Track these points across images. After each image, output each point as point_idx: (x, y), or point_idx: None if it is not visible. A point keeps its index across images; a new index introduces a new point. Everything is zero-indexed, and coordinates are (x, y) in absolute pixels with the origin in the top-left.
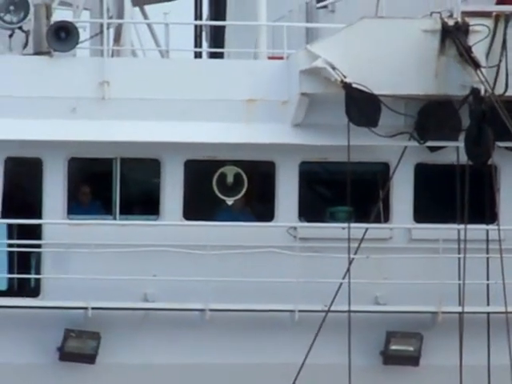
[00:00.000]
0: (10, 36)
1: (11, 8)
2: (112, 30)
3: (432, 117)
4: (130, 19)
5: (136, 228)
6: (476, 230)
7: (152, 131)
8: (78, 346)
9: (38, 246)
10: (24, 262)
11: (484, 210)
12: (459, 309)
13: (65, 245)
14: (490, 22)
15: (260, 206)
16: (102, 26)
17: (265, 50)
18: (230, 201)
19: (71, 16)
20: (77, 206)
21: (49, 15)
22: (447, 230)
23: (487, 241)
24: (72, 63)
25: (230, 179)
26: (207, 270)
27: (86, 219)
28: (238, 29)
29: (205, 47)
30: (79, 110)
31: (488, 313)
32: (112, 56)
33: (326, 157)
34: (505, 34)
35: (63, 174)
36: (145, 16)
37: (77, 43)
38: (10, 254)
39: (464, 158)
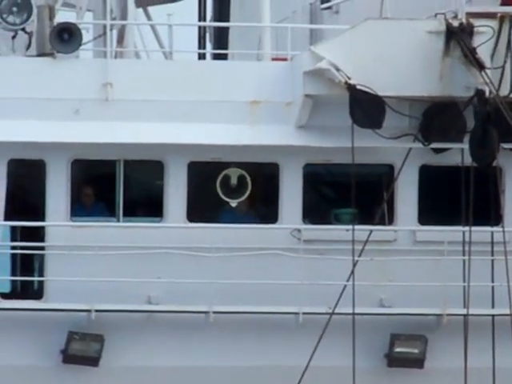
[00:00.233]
0: (13, 37)
1: (14, 9)
2: (115, 32)
3: (437, 118)
4: (134, 20)
5: (139, 230)
6: (481, 232)
7: (155, 133)
8: (82, 348)
9: (42, 248)
10: (27, 264)
11: (489, 212)
12: (464, 311)
13: (68, 247)
14: (494, 23)
15: (264, 208)
16: (105, 27)
17: (269, 51)
18: (233, 203)
19: (74, 17)
20: (80, 207)
21: (52, 16)
22: (452, 232)
23: (492, 243)
24: (75, 65)
25: (233, 181)
26: (211, 272)
27: (89, 221)
28: (242, 30)
29: (209, 48)
30: (82, 112)
31: (493, 315)
32: (115, 57)
33: (330, 159)
34: (509, 35)
35: (66, 176)
36: (148, 17)
37: (80, 45)
38: (14, 256)
39: (469, 160)
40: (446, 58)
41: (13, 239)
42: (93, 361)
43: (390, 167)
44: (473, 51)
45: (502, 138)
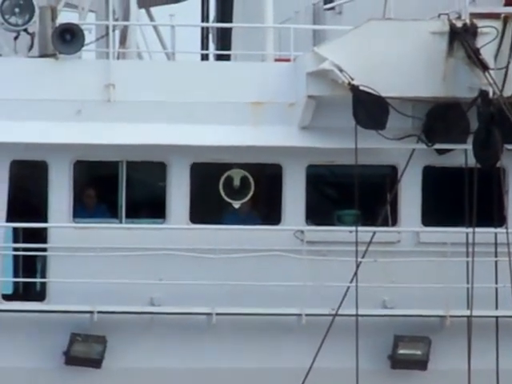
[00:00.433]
0: (16, 38)
1: (16, 10)
2: (118, 32)
3: (440, 119)
4: (136, 21)
5: (142, 231)
6: (484, 233)
7: (158, 134)
8: (84, 350)
9: (44, 250)
10: (30, 266)
11: (492, 213)
12: (467, 312)
13: (70, 248)
14: (498, 24)
15: (267, 210)
16: (107, 28)
17: (272, 52)
18: (236, 204)
19: (77, 18)
20: (82, 209)
21: (54, 17)
22: (455, 234)
23: (496, 244)
24: (77, 65)
25: (236, 182)
26: (214, 274)
27: (91, 223)
28: (245, 31)
29: (211, 49)
30: (85, 113)
31: (496, 317)
32: (118, 58)
33: (334, 160)
34: None
35: (69, 177)
36: (151, 18)
37: (82, 45)
38: (16, 257)
39: (472, 161)
40: (449, 58)
41: (15, 240)
42: (95, 362)
43: (394, 168)
44: (476, 52)
45: (505, 138)
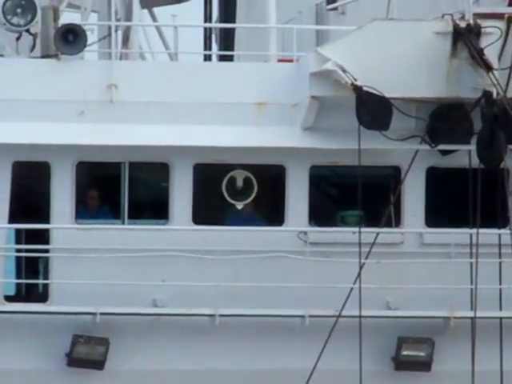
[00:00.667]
0: (18, 39)
1: (18, 11)
2: (120, 33)
3: (443, 120)
4: (139, 21)
5: (145, 232)
6: (488, 235)
7: (161, 135)
8: (87, 351)
9: (46, 251)
10: (32, 267)
11: (496, 214)
12: (471, 314)
13: (73, 249)
14: (502, 24)
15: (270, 211)
16: (110, 28)
17: (275, 52)
18: (239, 205)
19: (79, 18)
20: (85, 210)
21: (56, 18)
22: (459, 235)
23: (499, 245)
24: (80, 66)
25: (239, 183)
26: (216, 275)
27: (94, 224)
28: (248, 31)
29: (215, 49)
30: (87, 114)
31: (500, 318)
32: (120, 59)
33: (337, 160)
34: None
35: (71, 178)
36: (153, 18)
37: (85, 46)
38: (18, 258)
39: (476, 162)
40: (453, 59)
41: (17, 242)
42: (98, 364)
43: (397, 169)
44: (480, 52)
45: (509, 139)
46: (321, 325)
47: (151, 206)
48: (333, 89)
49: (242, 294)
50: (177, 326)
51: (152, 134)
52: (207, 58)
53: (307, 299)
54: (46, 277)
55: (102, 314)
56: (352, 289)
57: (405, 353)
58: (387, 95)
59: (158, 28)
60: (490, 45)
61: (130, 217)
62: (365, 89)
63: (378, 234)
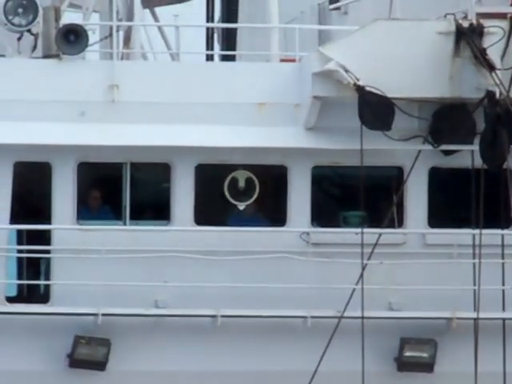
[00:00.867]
0: (19, 39)
1: (20, 11)
2: (122, 33)
3: (446, 120)
4: (140, 21)
5: (146, 233)
6: (491, 235)
7: (162, 135)
8: (88, 352)
9: (48, 252)
10: (33, 268)
11: (499, 215)
12: (474, 315)
13: (74, 250)
14: (505, 24)
15: (272, 211)
16: (111, 28)
17: (277, 52)
18: (241, 206)
19: (80, 18)
20: (86, 211)
21: (58, 18)
22: (462, 235)
23: (502, 245)
24: (81, 66)
25: (241, 184)
26: (218, 276)
27: (95, 224)
28: (250, 31)
29: (217, 49)
30: (88, 114)
31: (504, 319)
32: (122, 59)
33: (339, 161)
34: None
35: (72, 179)
36: (155, 18)
37: (86, 46)
38: (20, 259)
39: (479, 162)
40: (455, 58)
41: (19, 242)
42: (99, 365)
43: (400, 169)
44: (483, 52)
45: None
46: (323, 326)
47: (153, 206)
48: (335, 89)
49: (243, 294)
50: (179, 327)
51: (154, 135)
52: (209, 57)
53: (309, 300)
54: (47, 277)
55: (103, 314)
56: (354, 290)
57: (407, 354)
58: (390, 95)
59: (159, 28)
60: (493, 45)
61: (132, 217)
62: (367, 89)
63: (380, 234)
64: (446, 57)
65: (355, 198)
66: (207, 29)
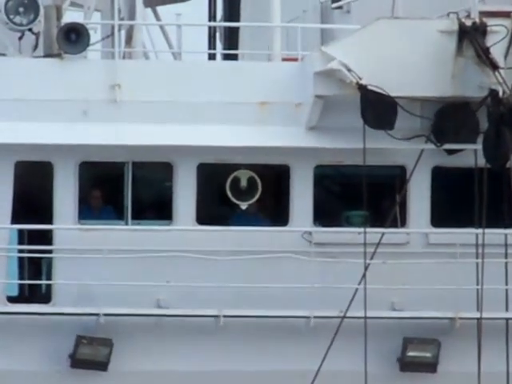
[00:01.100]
0: (20, 38)
1: (21, 10)
2: (123, 32)
3: (449, 119)
4: (142, 20)
5: (148, 233)
6: (494, 234)
7: (164, 134)
8: (90, 352)
9: (49, 252)
10: (35, 268)
11: (503, 214)
12: (477, 315)
13: (76, 250)
14: (508, 23)
15: (274, 211)
16: (113, 27)
17: (279, 51)
18: (243, 205)
19: (82, 17)
20: (88, 210)
21: (59, 17)
22: (465, 235)
23: (506, 245)
24: (83, 65)
25: (243, 183)
26: (221, 276)
27: (97, 224)
28: (253, 30)
29: (219, 48)
30: (90, 113)
31: (507, 319)
32: (123, 58)
33: (341, 160)
34: None
35: (74, 179)
36: (157, 17)
37: (87, 45)
38: (21, 259)
39: (482, 161)
40: (458, 57)
41: (20, 242)
42: (101, 365)
43: (402, 169)
44: (486, 51)
45: None
46: (326, 326)
47: (155, 206)
48: (337, 88)
49: (246, 294)
50: (181, 327)
51: (155, 134)
52: (211, 57)
53: (312, 300)
54: (48, 277)
55: (105, 314)
56: (357, 289)
57: (410, 354)
58: (392, 94)
59: (161, 27)
60: (496, 43)
61: (134, 217)
62: (370, 88)
63: (383, 234)
64: (449, 56)
65: (358, 197)
66: (209, 28)
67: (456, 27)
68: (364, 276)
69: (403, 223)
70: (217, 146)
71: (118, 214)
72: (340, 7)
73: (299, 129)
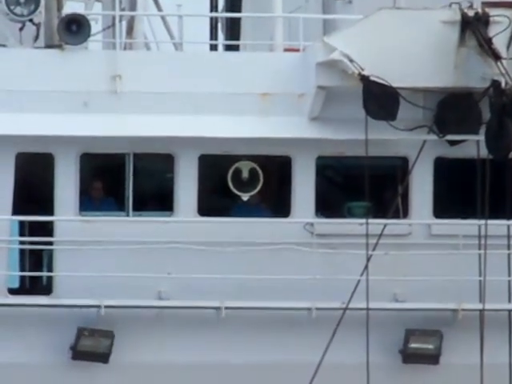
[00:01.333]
0: (21, 29)
1: (21, 0)
2: (124, 23)
3: (451, 110)
4: (143, 11)
5: (149, 224)
6: (497, 226)
7: (165, 126)
8: (91, 344)
9: (50, 243)
10: (36, 259)
11: (505, 205)
12: (480, 306)
13: (77, 242)
14: (510, 13)
15: (276, 202)
16: (114, 18)
17: (281, 42)
18: (245, 196)
19: (83, 8)
20: (89, 202)
21: (60, 7)
22: (467, 226)
23: (508, 236)
24: (84, 56)
25: (245, 174)
26: (222, 267)
27: (98, 215)
28: (254, 20)
29: (221, 39)
30: (91, 105)
31: (509, 310)
32: (124, 49)
33: (344, 151)
34: None
35: (75, 170)
36: (158, 8)
37: (88, 36)
38: (22, 251)
39: (484, 152)
40: (461, 48)
41: (21, 234)
42: (103, 357)
43: (404, 160)
44: (488, 41)
45: None
46: (328, 317)
47: (156, 197)
48: (340, 79)
49: (248, 286)
50: (182, 319)
51: (157, 125)
52: (213, 47)
53: (314, 291)
54: (50, 269)
55: (106, 306)
56: (359, 281)
57: (413, 345)
58: (394, 85)
59: (162, 17)
60: (499, 34)
61: (135, 208)
62: (372, 79)
63: (385, 225)
64: (451, 46)
65: (360, 188)
66: (211, 18)
67: (458, 17)
68: (366, 267)
69: (405, 214)
70: (218, 137)
71: (119, 206)
72: None
73: (301, 120)
